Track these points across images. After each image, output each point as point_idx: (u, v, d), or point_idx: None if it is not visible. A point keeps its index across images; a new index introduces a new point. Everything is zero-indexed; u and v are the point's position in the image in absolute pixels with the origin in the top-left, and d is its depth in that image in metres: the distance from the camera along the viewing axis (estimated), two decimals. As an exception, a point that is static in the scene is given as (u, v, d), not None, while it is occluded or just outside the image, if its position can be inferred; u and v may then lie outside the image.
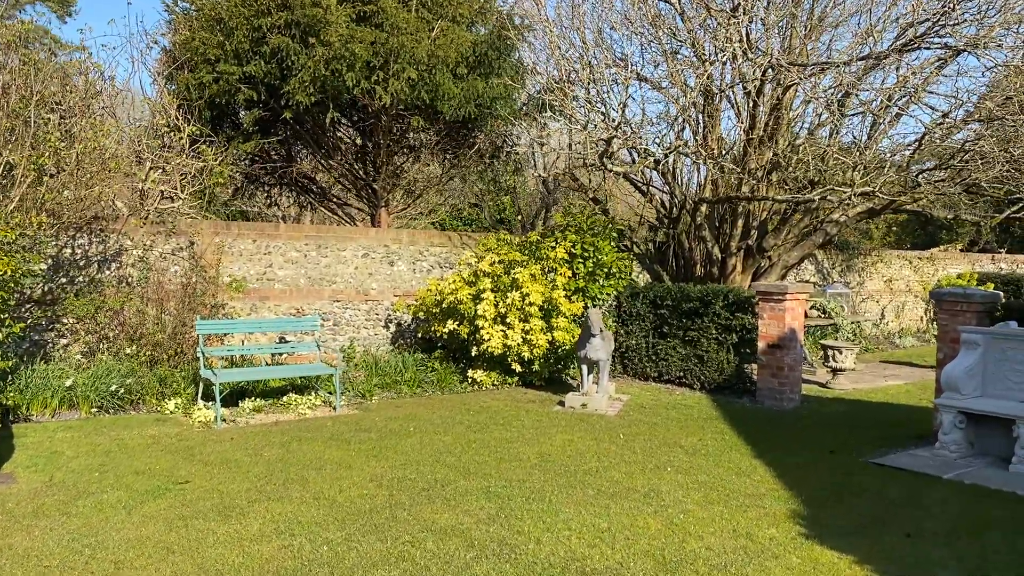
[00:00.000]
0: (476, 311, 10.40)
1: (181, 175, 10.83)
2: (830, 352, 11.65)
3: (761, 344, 10.24)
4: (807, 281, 17.40)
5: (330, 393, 9.72)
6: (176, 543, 5.09)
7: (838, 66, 10.65)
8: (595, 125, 11.28)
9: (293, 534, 5.28)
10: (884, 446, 7.96)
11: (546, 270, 11.35)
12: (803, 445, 7.99)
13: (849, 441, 8.18)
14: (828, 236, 13.01)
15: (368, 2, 11.40)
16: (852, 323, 14.99)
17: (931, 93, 11.50)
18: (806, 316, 13.03)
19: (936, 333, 8.54)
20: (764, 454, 7.57)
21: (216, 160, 11.09)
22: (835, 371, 11.66)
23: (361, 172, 14.33)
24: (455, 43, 11.63)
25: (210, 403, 8.89)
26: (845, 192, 10.75)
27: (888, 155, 11.79)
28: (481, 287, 10.57)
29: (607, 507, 5.90)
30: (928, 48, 10.55)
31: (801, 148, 12.01)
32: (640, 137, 11.75)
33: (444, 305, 10.83)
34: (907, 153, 11.69)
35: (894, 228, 27.17)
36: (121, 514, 5.61)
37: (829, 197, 11.11)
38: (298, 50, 10.99)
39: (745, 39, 10.91)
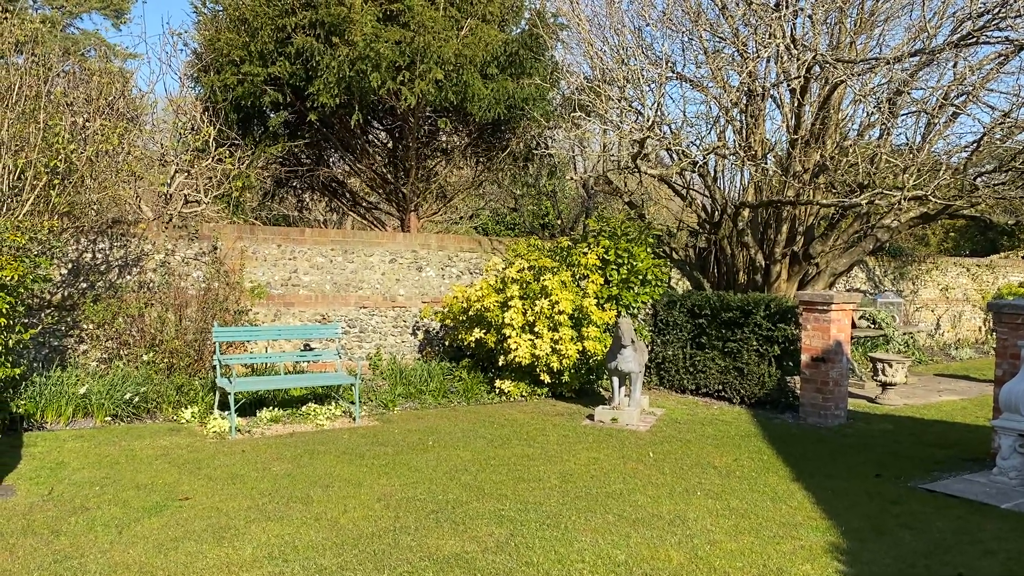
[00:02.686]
0: (503, 319, 10.01)
1: (206, 178, 10.65)
2: (879, 365, 11.01)
3: (804, 357, 9.67)
4: (857, 289, 16.66)
5: (351, 403, 9.41)
6: (161, 568, 4.78)
7: (889, 63, 10.03)
8: (628, 126, 10.81)
9: (286, 560, 4.94)
10: (935, 470, 7.36)
11: (577, 277, 10.92)
12: (847, 467, 7.43)
13: (897, 463, 7.59)
14: (879, 242, 12.35)
15: (394, 0, 11.09)
16: (904, 334, 14.26)
17: (991, 91, 10.82)
18: (854, 326, 12.38)
19: (995, 346, 7.91)
20: (804, 477, 7.04)
21: (242, 163, 10.90)
22: (885, 385, 11.01)
23: (390, 176, 14.05)
24: (484, 42, 11.26)
25: (226, 413, 8.63)
26: (895, 196, 10.11)
27: (943, 157, 11.12)
28: (509, 294, 10.18)
29: (627, 536, 5.45)
30: (988, 43, 9.88)
31: (850, 150, 11.39)
32: (677, 138, 11.25)
33: (471, 313, 10.46)
34: (964, 155, 11.01)
35: (951, 234, 26.08)
36: (112, 534, 5.33)
37: (878, 201, 10.49)
38: (322, 50, 10.73)
39: (789, 35, 10.36)
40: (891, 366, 10.88)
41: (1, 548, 5.04)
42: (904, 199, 10.16)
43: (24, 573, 4.68)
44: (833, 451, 8.09)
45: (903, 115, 11.60)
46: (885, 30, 11.96)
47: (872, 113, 11.49)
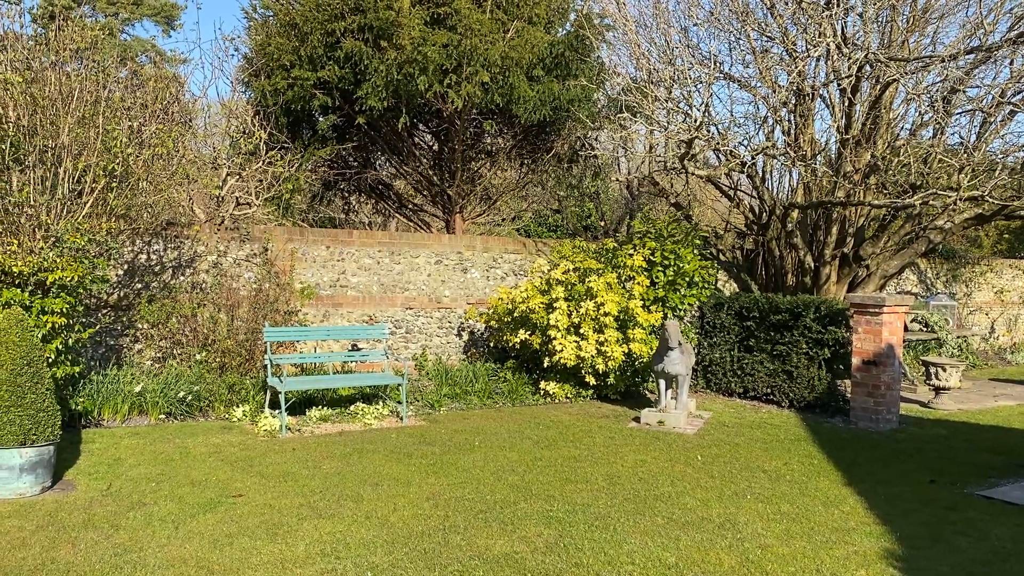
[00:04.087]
0: (548, 321, 10.02)
1: (256, 181, 10.83)
2: (932, 369, 10.79)
3: (855, 360, 9.52)
4: (908, 292, 16.35)
5: (398, 403, 9.50)
6: (217, 563, 4.87)
7: (943, 60, 9.84)
8: (675, 127, 10.75)
9: (339, 557, 5.00)
10: (992, 476, 7.19)
11: (623, 279, 10.88)
12: (900, 472, 7.30)
13: (952, 469, 7.44)
14: (932, 244, 12.11)
15: (442, 4, 11.18)
16: (958, 338, 13.95)
17: (1050, 88, 10.55)
18: (906, 330, 12.16)
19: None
20: (855, 482, 6.93)
21: (292, 166, 11.06)
22: (938, 390, 10.79)
23: (436, 178, 14.14)
24: (530, 44, 11.28)
25: (276, 411, 8.77)
26: (950, 197, 9.91)
27: (1000, 156, 10.87)
28: (554, 296, 10.19)
29: (677, 539, 5.42)
30: (1047, 39, 9.64)
31: (902, 149, 11.19)
32: (724, 138, 11.15)
33: (516, 314, 10.49)
34: (1022, 154, 10.74)
35: (1006, 235, 25.43)
36: (168, 529, 5.45)
37: (932, 202, 10.28)
38: (371, 54, 10.84)
39: (840, 34, 10.21)
40: (944, 370, 10.67)
41: (64, 541, 5.19)
42: (959, 200, 9.95)
43: (86, 565, 4.80)
44: (885, 456, 7.95)
45: (958, 114, 11.37)
46: (939, 27, 11.75)
47: (925, 112, 11.27)
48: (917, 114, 11.83)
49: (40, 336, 7.04)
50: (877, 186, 11.63)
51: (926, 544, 5.42)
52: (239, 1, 28.10)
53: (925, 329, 13.57)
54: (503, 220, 21.72)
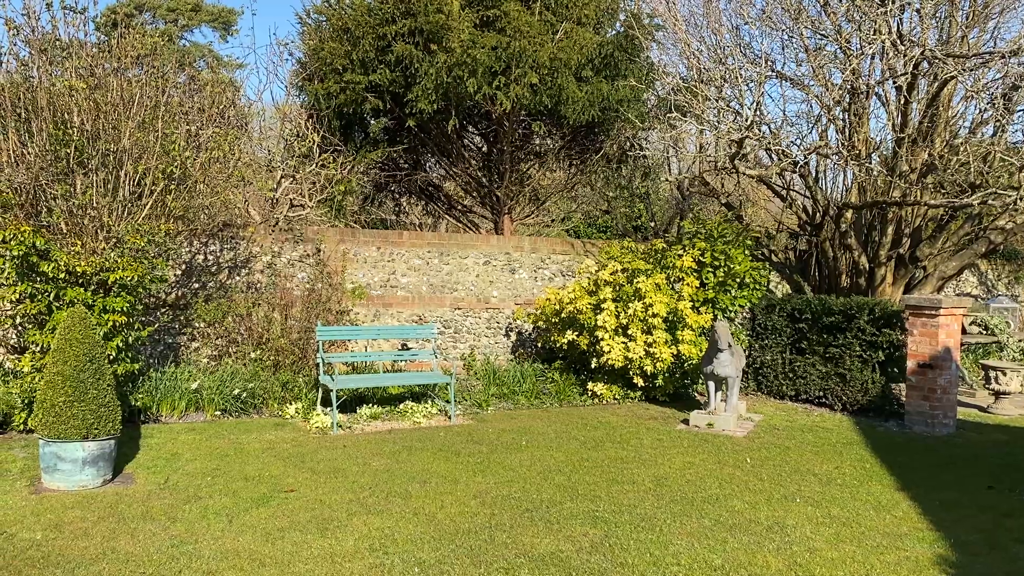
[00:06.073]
0: (596, 322, 10.02)
1: (310, 183, 11.04)
2: (992, 373, 10.50)
3: (911, 363, 9.33)
4: (968, 294, 15.95)
5: (447, 402, 9.59)
6: (269, 556, 5.00)
7: (1004, 56, 9.58)
8: (726, 126, 10.65)
9: (387, 552, 5.09)
10: (1054, 484, 7.00)
11: (672, 280, 10.81)
12: (956, 478, 7.14)
13: (1011, 475, 7.24)
14: (992, 244, 11.79)
15: (491, 7, 11.26)
16: (1020, 341, 13.56)
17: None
18: (964, 332, 11.87)
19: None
20: (909, 487, 6.80)
21: (344, 168, 11.24)
22: (998, 394, 10.50)
23: (485, 179, 14.23)
24: (579, 45, 11.29)
25: (328, 409, 8.93)
26: (1011, 196, 9.65)
27: (1064, 154, 10.54)
28: (602, 296, 10.18)
29: (724, 541, 5.39)
30: (1113, 33, 9.34)
31: (961, 148, 10.92)
32: (776, 138, 11.02)
33: (563, 315, 10.50)
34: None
35: (1073, 236, 24.61)
36: (223, 522, 5.60)
37: (991, 202, 10.02)
38: (421, 57, 10.97)
39: (896, 31, 10.02)
40: (1005, 374, 10.38)
41: (124, 532, 5.37)
42: (1020, 199, 9.68)
43: (144, 556, 4.97)
44: (941, 461, 7.78)
45: (1020, 111, 11.05)
46: (1000, 22, 11.45)
47: (985, 109, 10.99)
48: (977, 111, 11.55)
49: (102, 334, 7.28)
50: (934, 186, 11.37)
51: (983, 551, 5.30)
52: (293, 7, 28.67)
53: (985, 332, 13.23)
54: (552, 221, 21.72)
